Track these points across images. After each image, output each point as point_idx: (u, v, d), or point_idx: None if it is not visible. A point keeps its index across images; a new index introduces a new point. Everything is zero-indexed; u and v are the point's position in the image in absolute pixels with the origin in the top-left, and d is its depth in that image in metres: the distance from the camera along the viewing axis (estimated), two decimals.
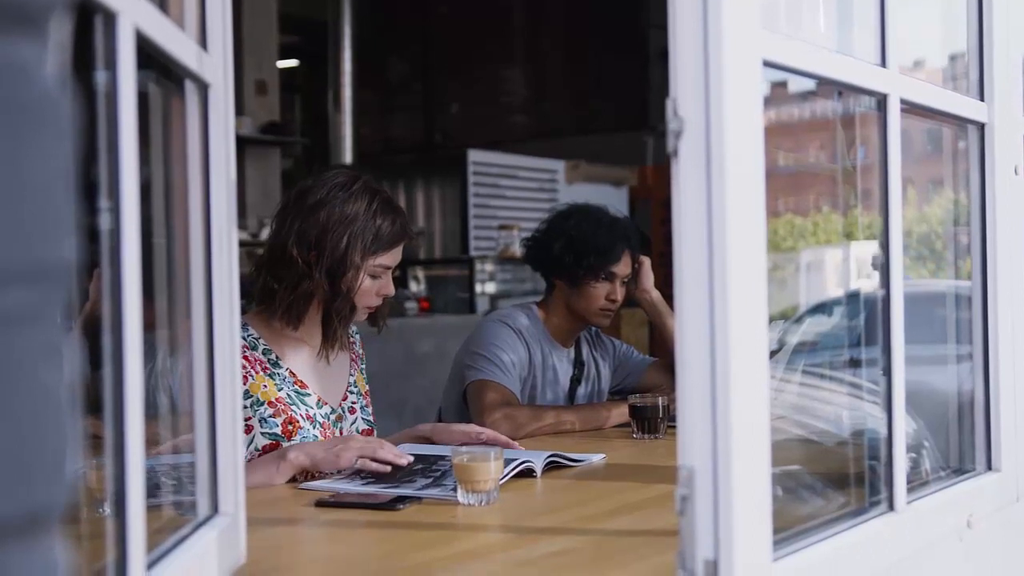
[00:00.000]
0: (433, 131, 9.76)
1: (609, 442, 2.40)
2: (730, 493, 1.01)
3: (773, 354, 1.49)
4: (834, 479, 1.52)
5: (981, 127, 1.66)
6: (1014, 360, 1.68)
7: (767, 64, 1.10)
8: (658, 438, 2.39)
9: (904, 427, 1.37)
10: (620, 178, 7.92)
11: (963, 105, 1.61)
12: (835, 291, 2.05)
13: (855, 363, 1.67)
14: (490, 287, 6.91)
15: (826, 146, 1.71)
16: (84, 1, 0.82)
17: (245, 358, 2.03)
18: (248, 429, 2.01)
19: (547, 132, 8.99)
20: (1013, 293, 1.67)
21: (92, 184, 0.85)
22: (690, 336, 1.03)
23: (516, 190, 7.67)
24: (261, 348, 2.08)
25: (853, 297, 1.73)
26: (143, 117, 0.95)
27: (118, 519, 0.86)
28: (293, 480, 1.91)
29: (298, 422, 2.06)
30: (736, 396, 1.02)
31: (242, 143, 6.67)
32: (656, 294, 2.82)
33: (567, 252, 2.69)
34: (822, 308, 2.14)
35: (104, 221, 0.85)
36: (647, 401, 2.44)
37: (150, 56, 0.98)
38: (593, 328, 2.86)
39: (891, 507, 1.36)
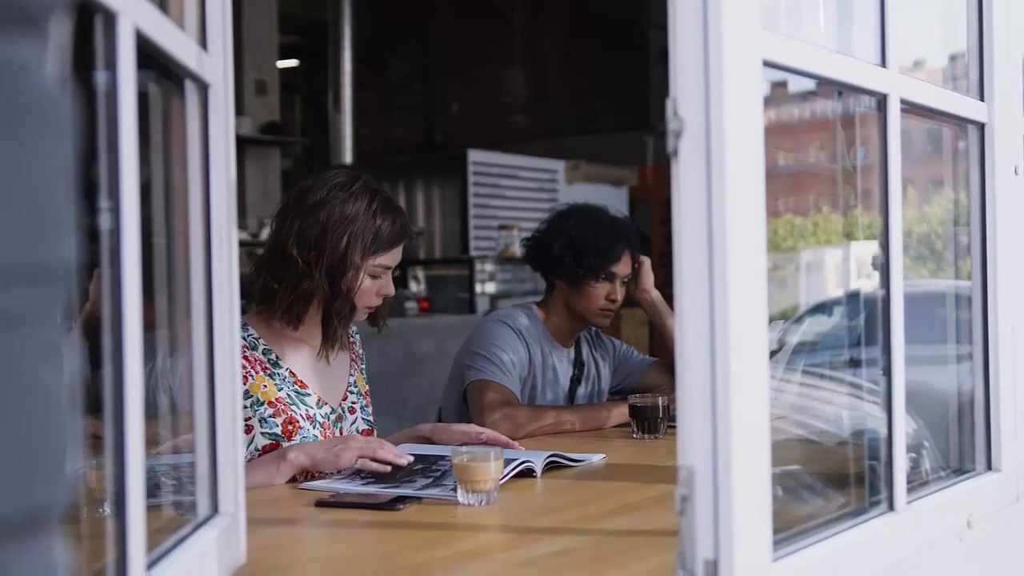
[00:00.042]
0: (433, 131, 9.76)
1: (609, 442, 2.40)
2: (730, 493, 1.01)
3: (773, 354, 1.49)
4: (834, 479, 1.52)
5: (981, 127, 1.66)
6: (1014, 360, 1.68)
7: (767, 64, 1.10)
8: (658, 438, 2.39)
9: (904, 427, 1.37)
10: (620, 178, 7.92)
11: (963, 105, 1.61)
12: (835, 291, 2.05)
13: (855, 363, 1.67)
14: (490, 287, 6.90)
15: (826, 146, 1.71)
16: (84, 1, 0.82)
17: (245, 358, 2.03)
18: (248, 429, 2.01)
19: (547, 132, 8.99)
20: (1013, 293, 1.67)
21: (92, 184, 0.85)
22: (690, 336, 1.03)
23: (516, 190, 7.67)
24: (261, 348, 2.08)
25: (853, 297, 1.73)
26: (143, 117, 0.95)
27: (118, 519, 0.86)
28: (293, 480, 1.91)
29: (298, 422, 2.06)
30: (736, 396, 1.02)
31: (242, 143, 6.67)
32: (656, 294, 2.82)
33: (567, 252, 2.69)
34: (822, 308, 2.14)
35: (104, 221, 0.85)
36: (647, 401, 2.44)
37: (150, 56, 0.98)
38: (593, 328, 2.86)
39: (891, 507, 1.36)
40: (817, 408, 1.72)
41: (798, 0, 1.53)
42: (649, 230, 7.19)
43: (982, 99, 1.65)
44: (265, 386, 2.05)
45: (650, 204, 7.64)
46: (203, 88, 1.17)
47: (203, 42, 1.18)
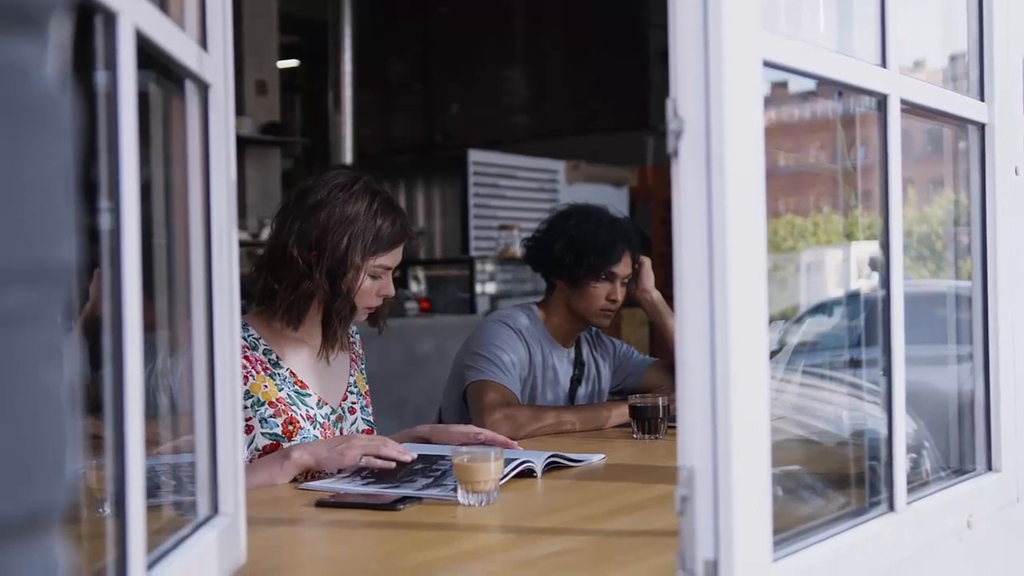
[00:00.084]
0: (433, 131, 9.76)
1: (609, 442, 2.40)
2: (730, 493, 1.01)
3: (773, 354, 1.49)
4: (834, 479, 1.52)
5: (981, 127, 1.66)
6: (1014, 360, 1.68)
7: (767, 64, 1.10)
8: (658, 438, 2.39)
9: (904, 427, 1.37)
10: (620, 178, 7.92)
11: (963, 105, 1.61)
12: (835, 291, 2.05)
13: (855, 363, 1.67)
14: (490, 287, 6.90)
15: (826, 146, 1.71)
16: (84, 1, 0.82)
17: (246, 358, 2.03)
18: (249, 429, 2.01)
19: (547, 132, 8.99)
20: (1013, 293, 1.67)
21: (92, 184, 0.85)
22: (690, 336, 1.03)
23: (516, 190, 7.67)
24: (262, 348, 2.09)
25: (853, 297, 1.73)
26: (143, 117, 0.94)
27: (118, 519, 0.86)
28: (293, 480, 1.91)
29: (298, 422, 2.06)
30: (736, 396, 1.02)
31: (242, 143, 6.68)
32: (656, 294, 2.82)
33: (567, 252, 2.69)
34: (822, 308, 2.14)
35: (104, 221, 0.85)
36: (647, 401, 2.44)
37: (150, 56, 0.98)
38: (593, 328, 2.86)
39: (891, 507, 1.36)
40: (817, 408, 1.72)
41: (798, 0, 1.53)
42: (649, 230, 7.19)
43: (982, 99, 1.65)
44: (266, 386, 2.05)
45: (650, 204, 7.64)
46: (203, 88, 1.17)
47: (203, 42, 1.18)
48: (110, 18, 0.85)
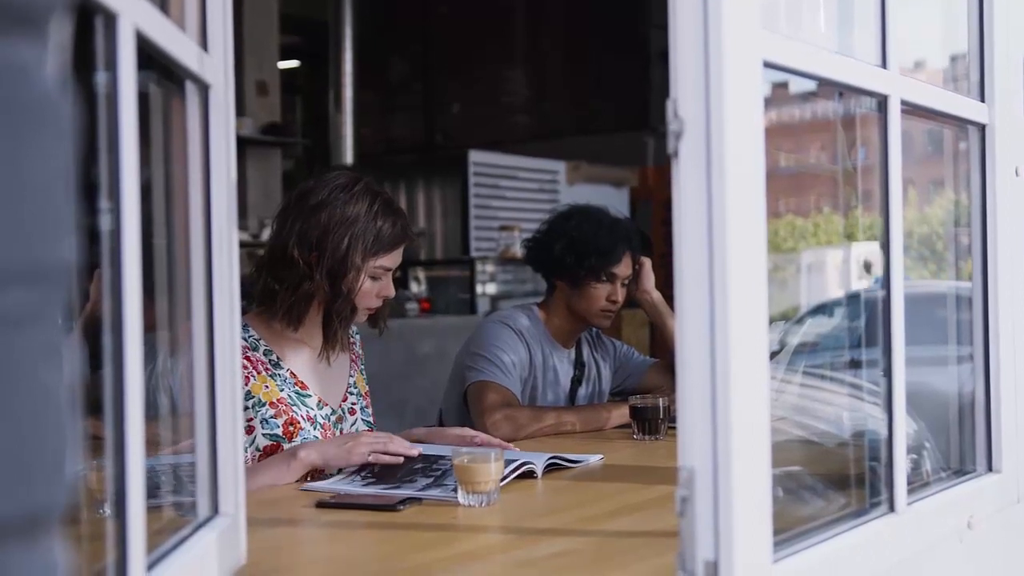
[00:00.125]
0: (434, 131, 9.76)
1: (609, 443, 2.40)
2: (730, 494, 1.01)
3: (774, 355, 1.49)
4: (835, 480, 1.52)
5: (982, 128, 1.66)
6: (1015, 361, 1.68)
7: (767, 65, 1.10)
8: (658, 439, 2.39)
9: (905, 428, 1.37)
10: (621, 179, 7.92)
11: (964, 106, 1.61)
12: (836, 292, 2.05)
13: (856, 364, 1.67)
14: (491, 288, 6.90)
15: (827, 147, 1.71)
16: (84, 2, 0.82)
17: (246, 359, 2.03)
18: (250, 430, 2.01)
19: (547, 133, 8.99)
20: (1014, 294, 1.67)
21: (92, 184, 0.85)
22: (690, 337, 1.03)
23: (517, 191, 7.67)
24: (262, 349, 2.09)
25: (854, 298, 1.73)
26: (143, 118, 0.95)
27: (118, 520, 0.86)
28: (296, 480, 1.91)
29: (299, 423, 2.06)
30: (736, 397, 1.02)
31: (243, 144, 6.67)
32: (657, 295, 2.82)
33: (568, 253, 2.69)
34: (823, 309, 2.14)
35: (104, 222, 0.85)
36: (647, 402, 2.44)
37: (151, 57, 0.98)
38: (594, 329, 2.86)
39: (891, 508, 1.36)
40: (818, 409, 1.72)
41: (798, 0, 1.53)
42: (650, 231, 7.17)
43: (983, 100, 1.65)
44: (266, 387, 2.05)
45: (651, 205, 7.64)
46: (204, 89, 1.17)
47: (204, 43, 1.18)
48: (110, 19, 0.85)
